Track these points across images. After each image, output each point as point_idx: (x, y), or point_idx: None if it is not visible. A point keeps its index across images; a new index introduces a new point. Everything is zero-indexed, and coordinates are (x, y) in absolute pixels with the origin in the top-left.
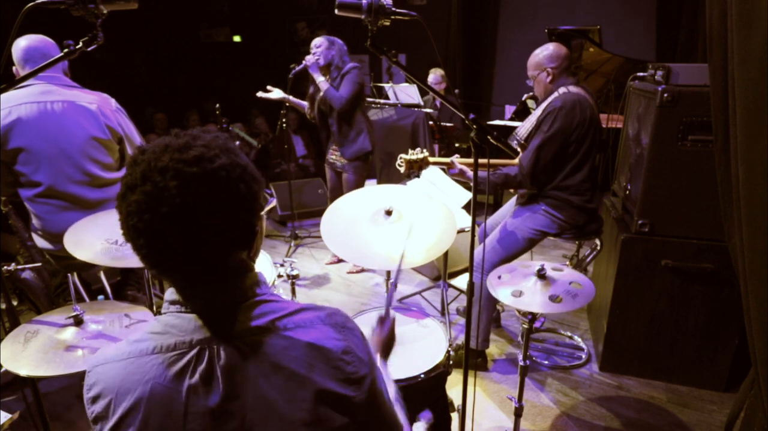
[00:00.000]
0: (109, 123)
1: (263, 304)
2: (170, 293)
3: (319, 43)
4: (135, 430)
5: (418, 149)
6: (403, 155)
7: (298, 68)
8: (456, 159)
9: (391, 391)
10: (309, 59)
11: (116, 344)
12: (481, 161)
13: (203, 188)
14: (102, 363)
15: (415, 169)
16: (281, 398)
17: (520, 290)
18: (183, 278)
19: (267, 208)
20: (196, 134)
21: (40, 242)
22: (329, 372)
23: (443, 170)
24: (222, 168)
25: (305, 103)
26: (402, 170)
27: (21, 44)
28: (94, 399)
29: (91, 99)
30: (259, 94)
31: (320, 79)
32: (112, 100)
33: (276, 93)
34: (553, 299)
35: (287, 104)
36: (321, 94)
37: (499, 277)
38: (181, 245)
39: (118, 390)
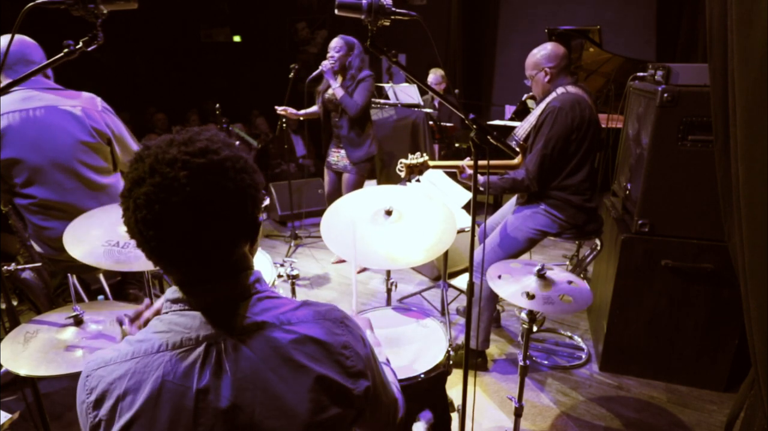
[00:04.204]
0: (95, 125)
1: (265, 300)
2: (172, 292)
3: (338, 47)
4: (145, 428)
5: (418, 154)
6: (403, 160)
7: (314, 74)
8: (467, 163)
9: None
10: (326, 65)
11: (113, 346)
12: (480, 162)
13: (211, 177)
14: (102, 365)
15: (416, 173)
16: (288, 390)
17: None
18: (189, 272)
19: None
20: (197, 130)
21: (37, 246)
22: (331, 365)
23: (447, 172)
24: (227, 159)
25: (315, 108)
26: (402, 174)
27: None
28: (98, 403)
29: (74, 102)
30: (282, 111)
31: (335, 86)
32: (98, 100)
33: (287, 109)
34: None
35: (302, 118)
36: (328, 93)
37: (499, 276)
38: (191, 235)
39: (124, 390)
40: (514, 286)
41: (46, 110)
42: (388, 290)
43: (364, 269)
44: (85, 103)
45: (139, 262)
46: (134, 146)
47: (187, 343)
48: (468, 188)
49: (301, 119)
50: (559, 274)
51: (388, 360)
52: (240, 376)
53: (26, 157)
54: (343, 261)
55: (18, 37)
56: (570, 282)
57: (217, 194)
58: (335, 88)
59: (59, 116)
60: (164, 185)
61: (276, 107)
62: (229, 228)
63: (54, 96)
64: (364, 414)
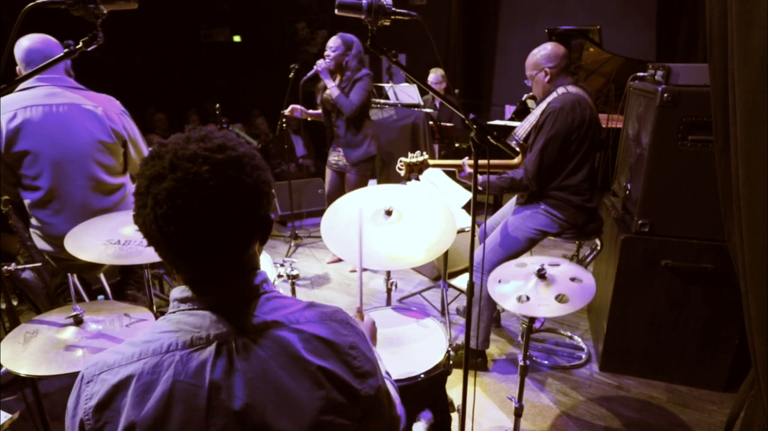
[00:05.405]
0: (114, 127)
1: (273, 300)
2: (180, 292)
3: (334, 47)
4: (156, 429)
5: (418, 152)
6: (403, 159)
7: (309, 74)
8: (467, 162)
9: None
10: (320, 64)
11: (114, 349)
12: (481, 161)
13: (231, 172)
14: (106, 370)
15: (416, 172)
16: (299, 388)
17: (524, 294)
18: (203, 269)
19: None
20: (209, 130)
21: (40, 243)
22: (338, 364)
23: (446, 172)
24: (244, 156)
25: (320, 111)
26: (402, 173)
27: (23, 45)
28: (101, 406)
29: (96, 102)
30: (287, 112)
31: (331, 85)
32: (117, 103)
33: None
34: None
35: (309, 119)
36: (326, 92)
37: (499, 281)
38: (211, 231)
39: (133, 392)
40: (515, 294)
41: (69, 107)
42: (388, 290)
43: (364, 269)
44: (105, 105)
45: (141, 256)
46: (146, 149)
47: (198, 342)
48: (468, 187)
49: (309, 119)
50: (561, 270)
51: (388, 374)
52: (251, 375)
53: (43, 150)
54: (340, 260)
55: (43, 36)
56: (573, 279)
57: (237, 189)
58: (331, 88)
59: (82, 114)
60: (187, 180)
61: (285, 111)
62: (247, 224)
63: (77, 95)
64: (368, 420)
